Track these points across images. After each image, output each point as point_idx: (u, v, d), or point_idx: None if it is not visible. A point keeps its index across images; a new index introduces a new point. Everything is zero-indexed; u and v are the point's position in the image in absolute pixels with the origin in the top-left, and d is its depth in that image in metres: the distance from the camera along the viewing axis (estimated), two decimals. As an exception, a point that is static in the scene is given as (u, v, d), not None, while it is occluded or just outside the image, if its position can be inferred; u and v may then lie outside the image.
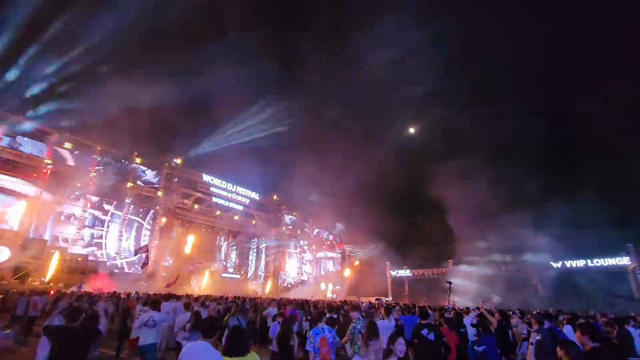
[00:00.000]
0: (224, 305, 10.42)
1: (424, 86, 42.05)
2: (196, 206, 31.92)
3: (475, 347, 5.80)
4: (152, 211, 28.36)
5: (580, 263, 31.62)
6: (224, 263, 34.94)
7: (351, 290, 40.01)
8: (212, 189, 33.41)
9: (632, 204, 26.67)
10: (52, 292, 11.25)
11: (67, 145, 23.44)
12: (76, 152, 23.86)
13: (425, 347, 5.09)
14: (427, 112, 44.47)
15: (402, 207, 44.50)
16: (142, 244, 26.39)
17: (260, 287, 35.66)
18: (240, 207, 35.93)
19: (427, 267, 41.18)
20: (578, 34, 34.94)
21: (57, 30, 22.68)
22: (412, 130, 44.73)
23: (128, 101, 24.51)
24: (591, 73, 34.93)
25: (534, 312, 9.60)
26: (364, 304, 14.12)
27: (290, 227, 41.76)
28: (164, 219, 28.91)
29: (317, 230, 45.98)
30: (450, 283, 13.76)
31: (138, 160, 27.67)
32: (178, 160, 30.56)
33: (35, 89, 22.80)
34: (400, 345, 3.02)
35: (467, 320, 7.70)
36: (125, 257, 25.75)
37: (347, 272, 45.95)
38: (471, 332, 6.94)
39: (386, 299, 34.50)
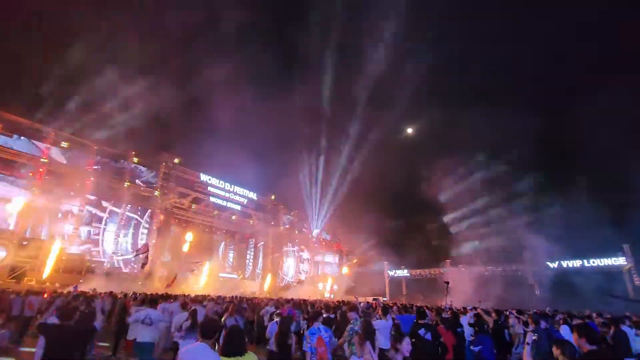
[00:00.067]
0: (221, 305, 10.40)
1: (424, 86, 42.18)
2: (194, 206, 31.84)
3: (472, 347, 5.82)
4: (149, 211, 28.27)
5: (577, 263, 31.83)
6: (222, 263, 34.87)
7: (349, 290, 40.06)
8: (209, 188, 33.32)
9: (628, 204, 26.82)
10: (45, 295, 11.15)
11: (64, 144, 23.32)
12: (72, 151, 23.73)
13: (422, 346, 5.10)
14: (425, 112, 44.63)
15: (401, 207, 44.60)
16: (140, 242, 26.29)
17: (258, 287, 35.62)
18: (238, 207, 35.85)
19: (424, 267, 41.30)
20: (578, 33, 35.16)
21: (53, 28, 22.57)
22: (409, 130, 44.89)
23: (125, 100, 24.46)
24: (591, 73, 35.17)
25: (531, 312, 9.64)
26: (361, 304, 14.09)
27: (288, 226, 41.72)
28: (161, 217, 28.83)
29: (315, 230, 45.96)
30: (447, 283, 13.81)
31: (135, 159, 27.56)
32: (176, 160, 30.46)
33: (32, 88, 22.69)
34: (406, 345, 3.04)
35: (465, 320, 7.73)
36: (122, 255, 25.65)
37: (345, 272, 46.00)
38: (468, 332, 6.97)
39: (383, 299, 34.56)
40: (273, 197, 39.93)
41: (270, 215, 39.18)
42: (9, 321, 10.01)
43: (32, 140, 21.99)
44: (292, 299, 16.24)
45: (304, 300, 15.66)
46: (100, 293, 14.08)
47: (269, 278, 36.21)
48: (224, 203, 34.32)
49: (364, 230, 41.17)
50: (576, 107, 33.12)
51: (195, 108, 40.79)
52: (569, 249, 30.12)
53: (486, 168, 36.63)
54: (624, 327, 6.38)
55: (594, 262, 31.34)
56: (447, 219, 38.51)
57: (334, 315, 8.44)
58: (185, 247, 29.88)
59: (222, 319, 7.04)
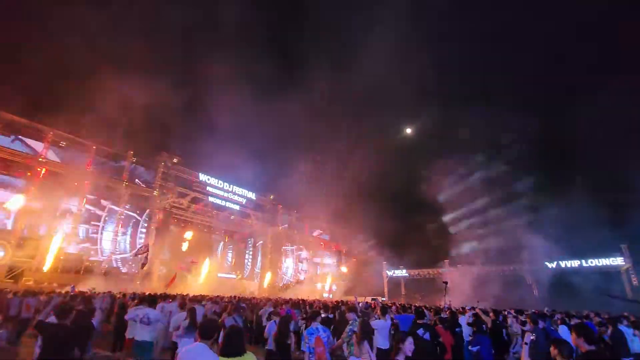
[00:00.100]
0: (220, 305, 10.38)
1: (423, 86, 42.22)
2: (192, 206, 31.79)
3: (470, 347, 5.83)
4: (147, 210, 28.21)
5: (575, 263, 31.92)
6: (221, 263, 34.83)
7: (347, 290, 40.07)
8: (208, 188, 33.25)
9: (626, 204, 26.88)
10: (42, 297, 11.09)
11: (62, 143, 23.25)
12: (71, 151, 23.66)
13: (420, 346, 5.09)
14: (424, 112, 44.67)
15: (399, 207, 44.65)
16: (139, 242, 26.24)
17: (256, 287, 35.60)
18: (237, 207, 35.80)
19: (423, 267, 41.34)
20: (578, 33, 35.22)
21: (50, 27, 22.50)
22: (409, 130, 44.93)
23: (124, 99, 24.38)
24: (591, 73, 35.27)
25: (529, 312, 9.66)
26: (360, 304, 14.11)
27: (287, 226, 41.70)
28: (160, 216, 28.77)
29: (314, 230, 45.96)
30: (446, 283, 13.85)
31: (134, 159, 27.51)
32: (174, 160, 30.41)
33: (30, 87, 22.61)
34: (409, 345, 3.04)
35: (463, 320, 7.74)
36: (121, 254, 25.59)
37: (344, 272, 46.02)
38: (466, 331, 6.97)
39: (382, 298, 34.58)
40: (272, 197, 39.91)
41: (269, 215, 39.15)
42: (6, 322, 9.96)
43: (31, 140, 21.91)
44: (290, 299, 16.24)
45: (303, 300, 15.65)
46: (98, 293, 14.04)
47: (267, 278, 36.21)
48: (223, 203, 34.27)
49: (363, 230, 41.24)
50: (576, 107, 33.26)
51: (194, 107, 40.75)
52: (568, 249, 30.26)
53: (485, 168, 36.73)
54: (622, 327, 6.38)
55: (592, 262, 31.45)
56: (446, 219, 38.57)
57: (333, 315, 8.43)
58: (184, 248, 29.84)
59: (220, 319, 7.03)
